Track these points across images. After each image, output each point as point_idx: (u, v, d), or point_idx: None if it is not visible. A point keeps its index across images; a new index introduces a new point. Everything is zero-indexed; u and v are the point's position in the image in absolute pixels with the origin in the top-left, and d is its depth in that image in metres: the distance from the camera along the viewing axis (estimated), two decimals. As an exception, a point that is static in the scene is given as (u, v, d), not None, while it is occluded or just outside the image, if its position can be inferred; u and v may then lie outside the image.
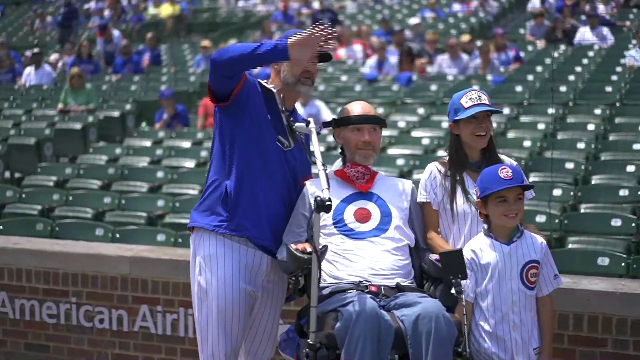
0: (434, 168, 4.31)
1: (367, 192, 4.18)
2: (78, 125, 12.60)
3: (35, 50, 17.09)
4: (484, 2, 21.14)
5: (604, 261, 6.36)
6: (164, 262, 5.71)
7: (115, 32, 18.63)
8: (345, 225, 4.09)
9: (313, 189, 4.13)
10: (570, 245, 6.99)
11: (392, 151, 10.20)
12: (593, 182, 8.61)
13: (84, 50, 16.43)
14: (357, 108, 4.25)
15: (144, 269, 5.75)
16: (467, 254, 3.98)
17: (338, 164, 4.39)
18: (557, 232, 7.32)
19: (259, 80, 4.26)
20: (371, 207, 4.14)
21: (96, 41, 18.97)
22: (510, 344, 3.93)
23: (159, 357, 5.78)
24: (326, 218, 4.10)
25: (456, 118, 4.19)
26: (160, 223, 8.36)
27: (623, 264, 6.32)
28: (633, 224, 7.26)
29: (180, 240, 7.56)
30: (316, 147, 3.84)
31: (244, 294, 4.16)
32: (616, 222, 7.26)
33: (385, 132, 10.96)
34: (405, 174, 9.23)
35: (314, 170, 4.01)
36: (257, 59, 3.94)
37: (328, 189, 3.61)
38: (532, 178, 8.76)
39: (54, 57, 19.13)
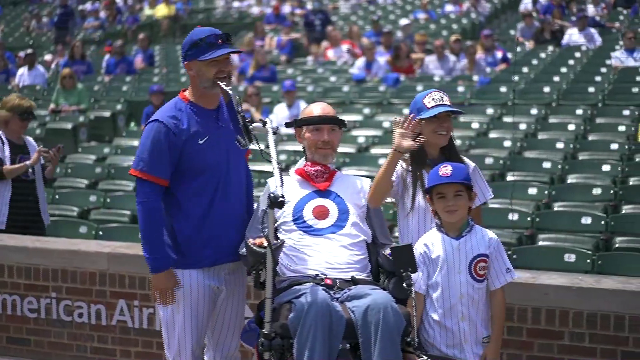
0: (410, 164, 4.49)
1: (326, 190, 4.36)
2: (69, 125, 12.78)
3: (29, 51, 17.23)
4: (476, 3, 21.26)
5: (570, 258, 6.53)
6: (140, 258, 5.72)
7: None
8: (304, 221, 4.27)
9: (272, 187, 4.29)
10: (540, 242, 7.17)
11: (374, 151, 10.37)
12: (569, 181, 8.78)
13: (76, 51, 16.57)
14: (317, 109, 4.44)
15: (122, 264, 5.90)
16: (420, 248, 4.17)
17: (302, 163, 4.55)
18: (528, 230, 7.49)
19: (191, 101, 4.31)
20: (329, 204, 4.32)
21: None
22: (458, 334, 4.11)
23: (135, 350, 5.94)
24: (287, 215, 4.29)
25: (419, 117, 4.35)
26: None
27: (588, 261, 6.49)
28: (602, 222, 7.43)
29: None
30: (272, 146, 4.00)
31: (208, 289, 4.34)
32: (586, 220, 7.44)
33: (370, 132, 11.24)
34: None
35: (269, 168, 4.16)
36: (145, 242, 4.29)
37: (282, 186, 3.79)
38: (510, 177, 8.96)
39: (48, 57, 19.28)
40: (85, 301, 6.00)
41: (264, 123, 4.13)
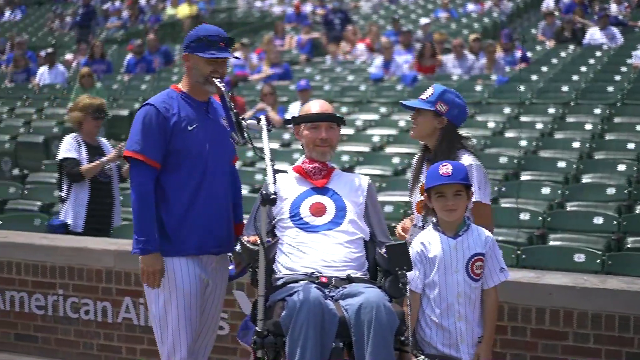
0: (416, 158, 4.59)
1: (323, 187, 4.34)
2: (87, 123, 12.80)
3: (49, 50, 17.35)
4: (498, 1, 21.15)
5: (580, 258, 6.46)
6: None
7: None
8: (301, 218, 4.25)
9: None
10: (551, 242, 7.10)
11: (389, 150, 10.33)
12: (583, 180, 8.70)
13: (96, 50, 16.67)
14: (315, 106, 4.43)
15: (127, 262, 5.88)
16: (417, 247, 4.15)
17: (301, 160, 4.54)
18: (539, 229, 7.42)
19: (184, 91, 4.38)
20: (327, 201, 4.30)
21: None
22: (455, 334, 4.08)
23: (141, 348, 5.95)
24: (284, 212, 4.28)
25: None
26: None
27: (598, 261, 6.41)
28: (615, 222, 7.34)
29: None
30: (265, 144, 3.99)
31: (200, 280, 4.34)
32: (598, 220, 7.35)
33: (385, 131, 11.20)
34: (399, 173, 9.37)
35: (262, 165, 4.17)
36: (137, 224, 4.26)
37: (274, 183, 3.78)
38: (524, 177, 8.89)
39: (69, 56, 19.43)
40: (92, 298, 6.02)
41: (258, 120, 4.12)
